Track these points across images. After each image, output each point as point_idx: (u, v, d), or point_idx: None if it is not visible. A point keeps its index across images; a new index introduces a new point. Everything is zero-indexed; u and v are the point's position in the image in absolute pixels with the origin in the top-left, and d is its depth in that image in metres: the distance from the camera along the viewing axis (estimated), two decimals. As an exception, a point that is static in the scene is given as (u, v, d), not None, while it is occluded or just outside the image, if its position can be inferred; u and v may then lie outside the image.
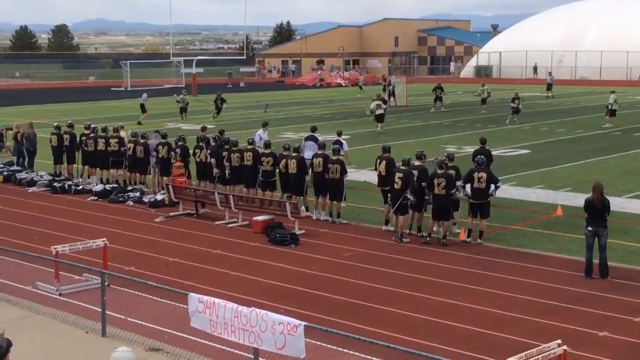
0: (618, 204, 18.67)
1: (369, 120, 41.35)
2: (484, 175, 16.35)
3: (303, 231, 17.43)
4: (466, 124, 39.25)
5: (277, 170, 19.40)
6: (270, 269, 14.87)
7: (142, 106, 42.28)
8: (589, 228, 14.08)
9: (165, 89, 68.94)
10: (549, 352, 8.18)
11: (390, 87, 50.20)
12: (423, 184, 16.66)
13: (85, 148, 23.58)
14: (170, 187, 20.13)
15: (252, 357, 9.31)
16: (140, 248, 16.42)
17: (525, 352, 8.02)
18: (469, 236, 16.50)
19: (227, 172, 20.29)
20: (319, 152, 19.08)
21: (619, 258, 15.00)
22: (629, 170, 25.22)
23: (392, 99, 49.29)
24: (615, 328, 11.50)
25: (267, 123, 23.99)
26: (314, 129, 22.40)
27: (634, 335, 11.22)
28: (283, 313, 10.14)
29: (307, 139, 21.83)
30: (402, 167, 16.79)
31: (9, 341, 6.28)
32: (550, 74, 61.07)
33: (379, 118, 36.42)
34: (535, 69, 79.66)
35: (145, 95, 43.39)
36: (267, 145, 20.01)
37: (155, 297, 12.35)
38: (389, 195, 17.07)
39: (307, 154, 19.96)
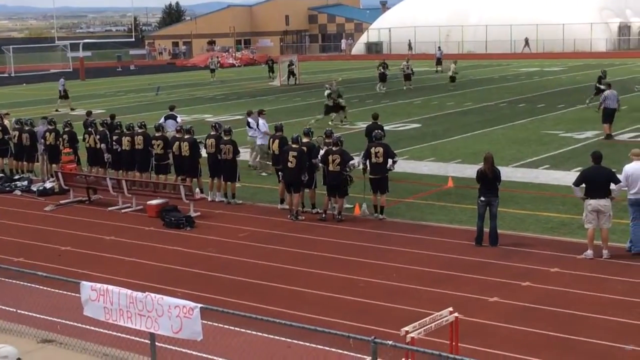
0: (505, 173, 19.18)
1: (264, 99, 41.44)
2: (380, 149, 16.52)
3: (198, 213, 17.30)
4: (358, 100, 39.64)
5: (171, 153, 19.12)
6: (166, 252, 14.71)
7: (61, 92, 40.40)
8: (482, 198, 14.43)
9: (51, 74, 66.91)
10: (441, 320, 8.42)
11: (293, 67, 51.48)
12: (314, 160, 16.75)
13: (-33, 137, 22.67)
14: (59, 174, 19.60)
15: (149, 342, 9.21)
16: (29, 238, 15.95)
17: (419, 321, 8.23)
18: (376, 212, 16.60)
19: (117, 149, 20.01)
20: (213, 133, 18.88)
21: (507, 225, 15.47)
22: (514, 140, 26.04)
23: (292, 78, 51.25)
24: (505, 293, 11.90)
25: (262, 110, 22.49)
26: (172, 108, 23.64)
27: (522, 300, 11.63)
28: (180, 296, 10.06)
29: (166, 117, 22.61)
30: (294, 146, 16.80)
31: None
32: (439, 48, 62.31)
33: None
34: (409, 46, 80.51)
35: (62, 80, 41.38)
36: (158, 128, 19.73)
37: (46, 288, 12.02)
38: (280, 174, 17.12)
39: (170, 134, 20.10)
